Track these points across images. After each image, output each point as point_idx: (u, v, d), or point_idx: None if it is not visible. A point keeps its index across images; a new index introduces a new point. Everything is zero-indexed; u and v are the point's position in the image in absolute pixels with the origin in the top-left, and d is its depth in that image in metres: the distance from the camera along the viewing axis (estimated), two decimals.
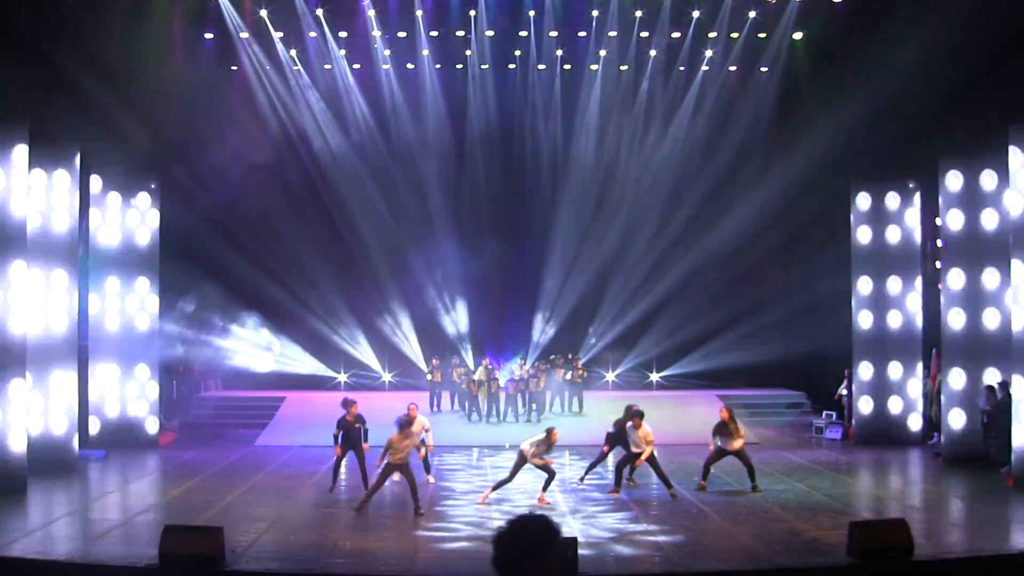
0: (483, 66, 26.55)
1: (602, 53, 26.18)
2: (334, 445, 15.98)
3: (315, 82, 26.34)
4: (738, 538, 12.83)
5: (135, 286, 21.46)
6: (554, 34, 25.78)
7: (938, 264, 20.09)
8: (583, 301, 27.54)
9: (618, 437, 16.57)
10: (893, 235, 21.60)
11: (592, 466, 16.98)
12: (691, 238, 26.74)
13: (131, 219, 21.48)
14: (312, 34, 25.43)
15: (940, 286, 19.56)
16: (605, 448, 16.85)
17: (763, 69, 26.45)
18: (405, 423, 14.92)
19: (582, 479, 16.69)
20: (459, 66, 26.62)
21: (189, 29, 23.82)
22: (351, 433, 15.89)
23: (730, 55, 26.07)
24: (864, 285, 21.73)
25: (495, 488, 15.34)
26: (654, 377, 28.13)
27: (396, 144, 27.30)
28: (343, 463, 16.25)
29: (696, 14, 25.06)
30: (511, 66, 26.75)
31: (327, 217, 27.19)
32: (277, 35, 25.24)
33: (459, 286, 27.52)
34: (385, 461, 14.51)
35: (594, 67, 26.68)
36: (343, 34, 25.54)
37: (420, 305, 27.65)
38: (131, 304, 21.34)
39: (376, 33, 25.50)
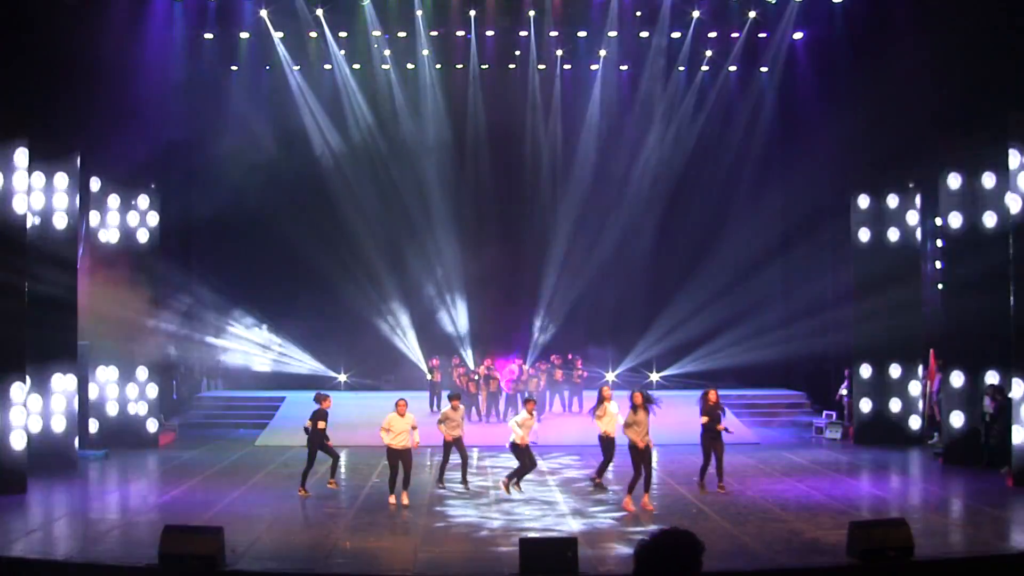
0: (483, 66, 26.55)
1: (602, 53, 26.19)
2: (309, 432, 16.04)
3: (315, 82, 26.34)
4: (738, 538, 12.83)
5: (135, 285, 21.43)
6: (554, 34, 25.76)
7: (938, 264, 20.12)
8: (583, 301, 27.52)
9: (710, 426, 16.10)
10: (893, 235, 21.62)
11: (709, 467, 16.30)
12: (691, 237, 26.73)
13: (131, 219, 21.46)
14: (312, 34, 25.44)
15: (940, 286, 19.57)
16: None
17: (763, 69, 26.47)
18: (455, 395, 16.73)
19: (721, 484, 16.01)
20: (459, 66, 26.60)
21: (189, 29, 23.81)
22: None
23: (730, 55, 26.08)
24: (864, 285, 21.74)
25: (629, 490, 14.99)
26: (654, 377, 28.13)
27: (396, 144, 27.29)
28: (316, 457, 16.13)
29: (696, 14, 25.04)
30: (511, 66, 26.73)
31: (327, 217, 27.16)
32: (277, 35, 25.24)
33: (459, 286, 27.52)
34: (442, 436, 16.21)
35: (594, 67, 26.68)
36: (343, 34, 25.52)
37: (420, 305, 27.66)
38: (131, 303, 21.31)
39: (376, 33, 25.49)
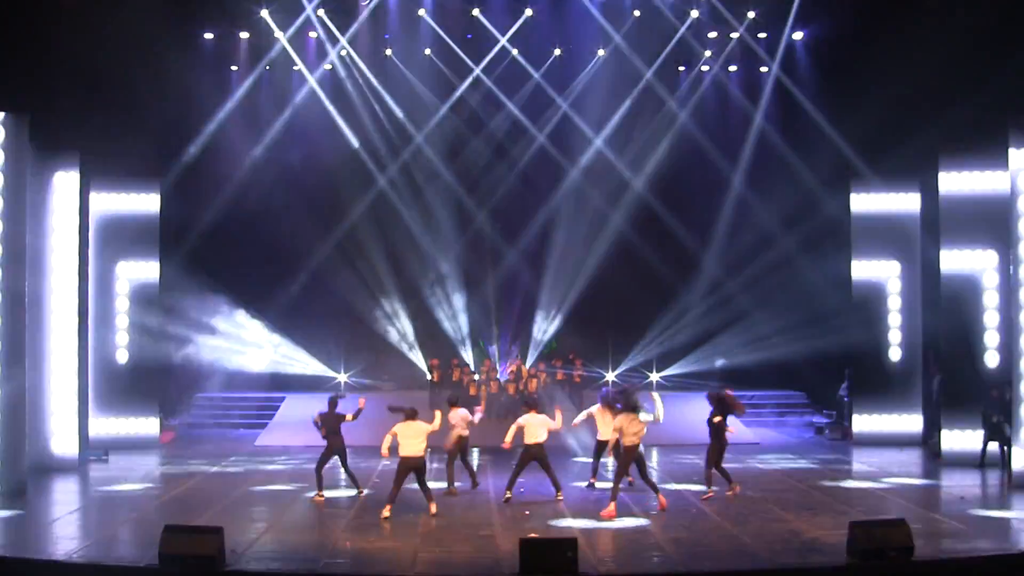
0: (483, 66, 26.57)
1: (600, 52, 26.21)
2: (318, 428, 15.85)
3: (314, 81, 26.35)
4: (738, 538, 12.84)
5: (135, 285, 21.47)
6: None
7: (940, 264, 20.08)
8: (583, 301, 27.52)
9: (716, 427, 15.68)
10: (893, 234, 21.66)
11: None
12: (691, 236, 26.75)
13: (132, 218, 21.48)
14: (313, 34, 25.49)
15: (940, 285, 19.56)
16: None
17: (763, 69, 26.47)
18: (453, 399, 16.42)
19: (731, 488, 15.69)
20: (459, 67, 26.61)
21: (189, 28, 23.85)
22: (333, 430, 15.81)
23: (730, 55, 26.08)
24: (863, 285, 21.79)
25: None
26: (654, 377, 28.13)
27: (395, 143, 27.29)
28: (326, 464, 15.96)
29: (695, 14, 25.05)
30: (510, 66, 26.74)
31: (327, 216, 27.17)
32: (278, 34, 25.26)
33: (459, 285, 27.52)
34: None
35: (593, 67, 26.68)
36: (343, 33, 25.52)
37: (420, 305, 27.65)
38: (131, 303, 21.35)
39: (376, 32, 25.52)
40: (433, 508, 14.27)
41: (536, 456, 15.30)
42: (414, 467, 14.22)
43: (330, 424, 15.79)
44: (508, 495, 15.28)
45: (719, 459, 15.62)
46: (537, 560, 10.94)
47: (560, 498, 15.22)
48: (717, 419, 15.65)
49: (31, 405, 16.62)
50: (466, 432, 16.25)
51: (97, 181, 20.92)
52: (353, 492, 15.93)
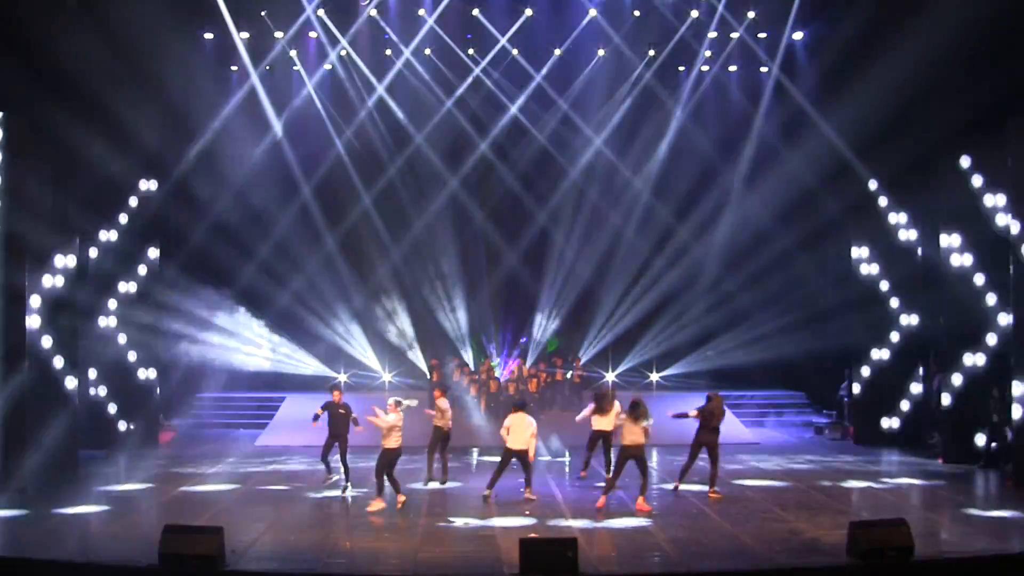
0: (483, 65, 26.56)
1: (600, 52, 26.22)
2: (313, 420, 16.48)
3: (314, 81, 26.34)
4: (738, 538, 12.84)
5: (135, 285, 21.48)
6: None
7: (940, 264, 20.13)
8: (583, 301, 27.53)
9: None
10: (893, 234, 21.67)
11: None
12: (692, 237, 26.74)
13: (131, 217, 21.49)
14: (313, 34, 25.48)
15: (940, 284, 19.58)
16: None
17: (763, 69, 26.46)
18: (442, 387, 17.41)
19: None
20: (459, 67, 26.61)
21: (188, 29, 23.82)
22: (336, 419, 16.12)
23: (730, 55, 26.08)
24: (864, 285, 21.80)
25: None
26: (654, 377, 28.13)
27: (395, 143, 27.28)
28: (329, 452, 16.47)
29: (695, 13, 25.06)
30: (510, 66, 26.74)
31: (327, 215, 27.17)
32: (277, 34, 25.25)
33: (459, 285, 27.52)
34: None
35: (593, 65, 26.67)
36: (343, 34, 25.53)
37: (419, 304, 27.66)
38: (131, 303, 21.35)
39: (376, 32, 25.52)
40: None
41: (517, 457, 15.45)
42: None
43: (332, 411, 16.14)
44: (488, 493, 15.37)
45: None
46: (537, 560, 10.94)
47: (528, 496, 15.32)
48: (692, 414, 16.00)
49: (31, 405, 16.60)
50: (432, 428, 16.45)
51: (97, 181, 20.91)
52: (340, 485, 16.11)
